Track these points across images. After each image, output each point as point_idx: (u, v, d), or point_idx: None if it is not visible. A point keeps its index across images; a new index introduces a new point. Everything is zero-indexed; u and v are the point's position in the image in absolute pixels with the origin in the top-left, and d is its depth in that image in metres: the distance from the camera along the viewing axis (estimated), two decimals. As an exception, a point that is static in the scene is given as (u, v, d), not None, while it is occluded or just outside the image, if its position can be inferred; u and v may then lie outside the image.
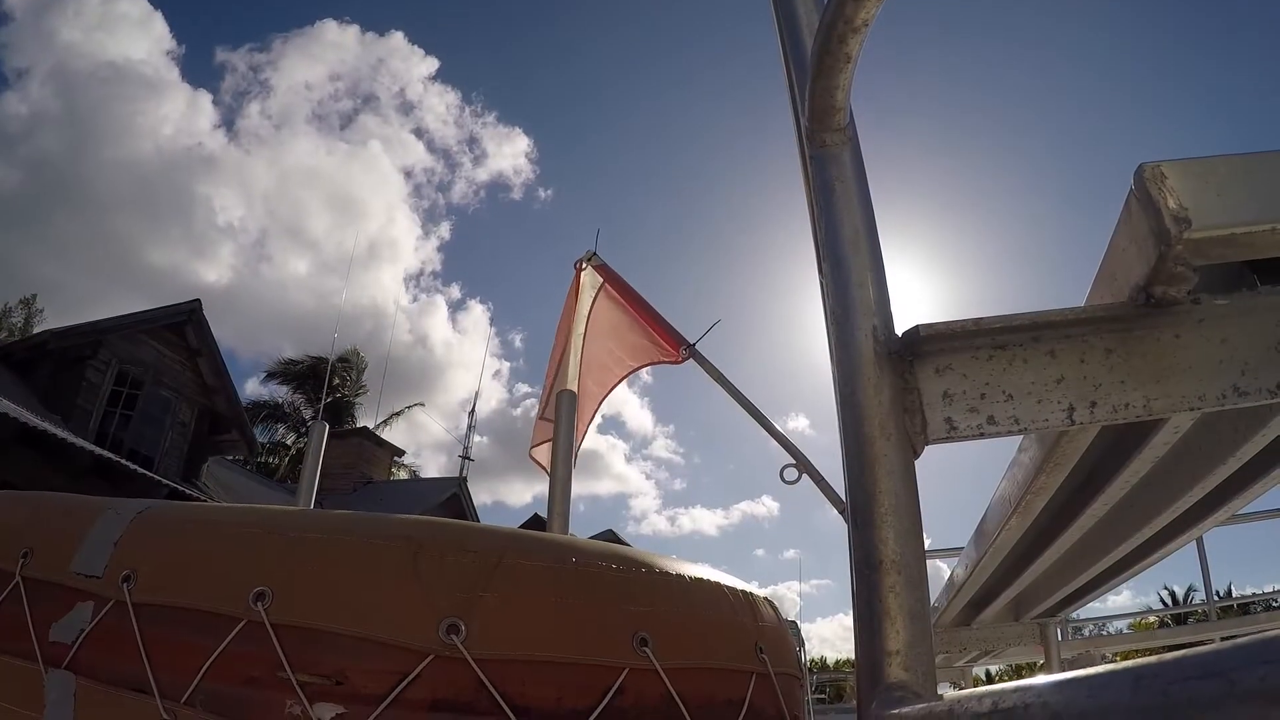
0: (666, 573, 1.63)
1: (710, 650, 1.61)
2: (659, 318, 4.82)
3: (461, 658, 1.33)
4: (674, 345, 4.57)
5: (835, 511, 3.76)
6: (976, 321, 1.11)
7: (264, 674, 1.35)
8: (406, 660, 1.33)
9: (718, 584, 1.74)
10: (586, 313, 5.25)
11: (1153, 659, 0.47)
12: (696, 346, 4.51)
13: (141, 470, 13.70)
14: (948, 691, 0.75)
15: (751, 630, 1.74)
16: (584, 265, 5.26)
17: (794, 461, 3.87)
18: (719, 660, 1.62)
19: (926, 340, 1.10)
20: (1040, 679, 0.58)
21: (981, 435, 1.10)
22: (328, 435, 3.41)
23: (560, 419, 2.60)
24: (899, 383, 1.07)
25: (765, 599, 1.91)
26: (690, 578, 1.67)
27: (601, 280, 5.19)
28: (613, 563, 1.55)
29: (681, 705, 1.48)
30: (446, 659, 1.33)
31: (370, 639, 1.35)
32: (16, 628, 1.59)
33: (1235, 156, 1.10)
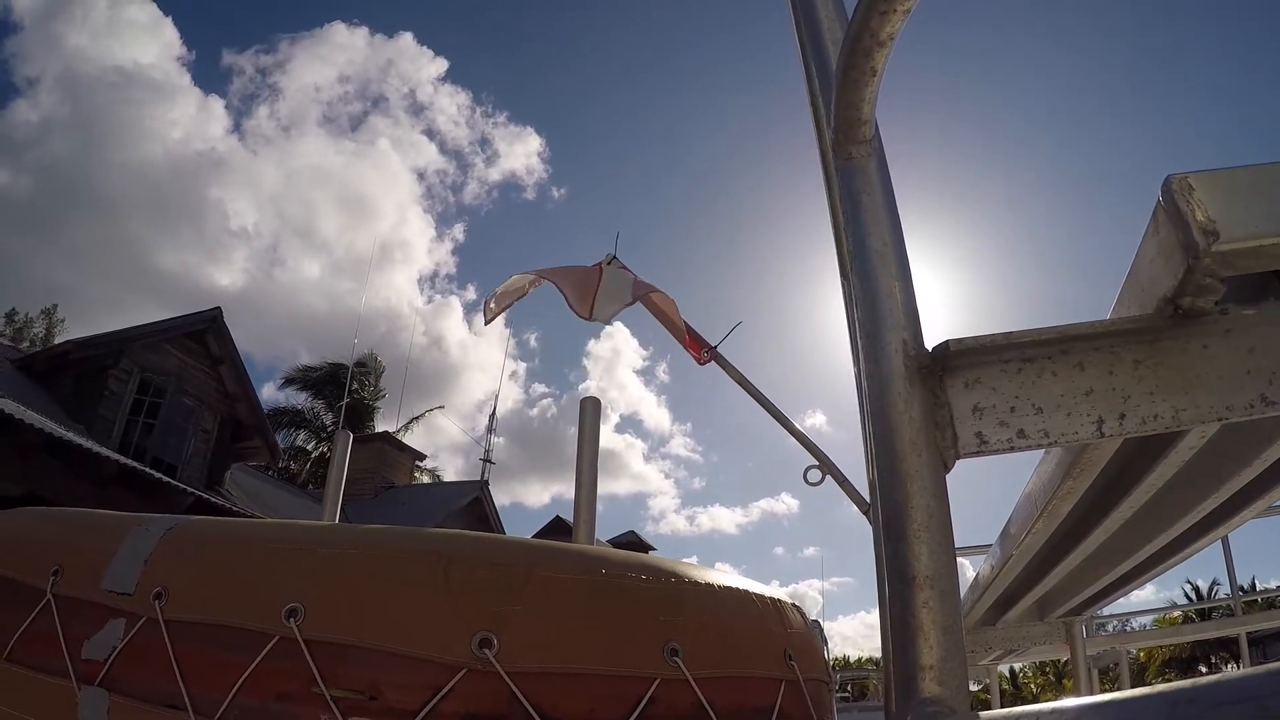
0: (695, 582, 1.63)
1: (740, 659, 1.61)
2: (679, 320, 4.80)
3: (494, 671, 1.34)
4: (696, 347, 4.55)
5: (856, 509, 3.75)
6: (1006, 335, 1.11)
7: (298, 689, 1.36)
8: (440, 674, 1.33)
9: (746, 591, 1.74)
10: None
11: (1186, 683, 0.47)
12: (718, 349, 4.49)
13: (167, 479, 13.76)
14: (983, 712, 0.76)
15: (780, 637, 1.74)
16: (601, 269, 5.24)
17: (817, 463, 3.87)
18: (749, 668, 1.62)
19: (956, 355, 1.10)
20: (1073, 701, 0.58)
21: (1012, 449, 1.10)
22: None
23: (584, 427, 2.59)
24: (929, 397, 1.07)
25: (793, 605, 1.90)
26: (719, 586, 1.67)
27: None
28: (642, 573, 1.55)
29: (712, 714, 1.48)
30: (479, 673, 1.34)
31: (403, 654, 1.35)
32: (49, 645, 1.60)
33: (1260, 167, 1.09)
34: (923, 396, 1.06)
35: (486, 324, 5.13)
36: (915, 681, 0.95)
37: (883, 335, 1.08)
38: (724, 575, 1.76)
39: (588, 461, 2.55)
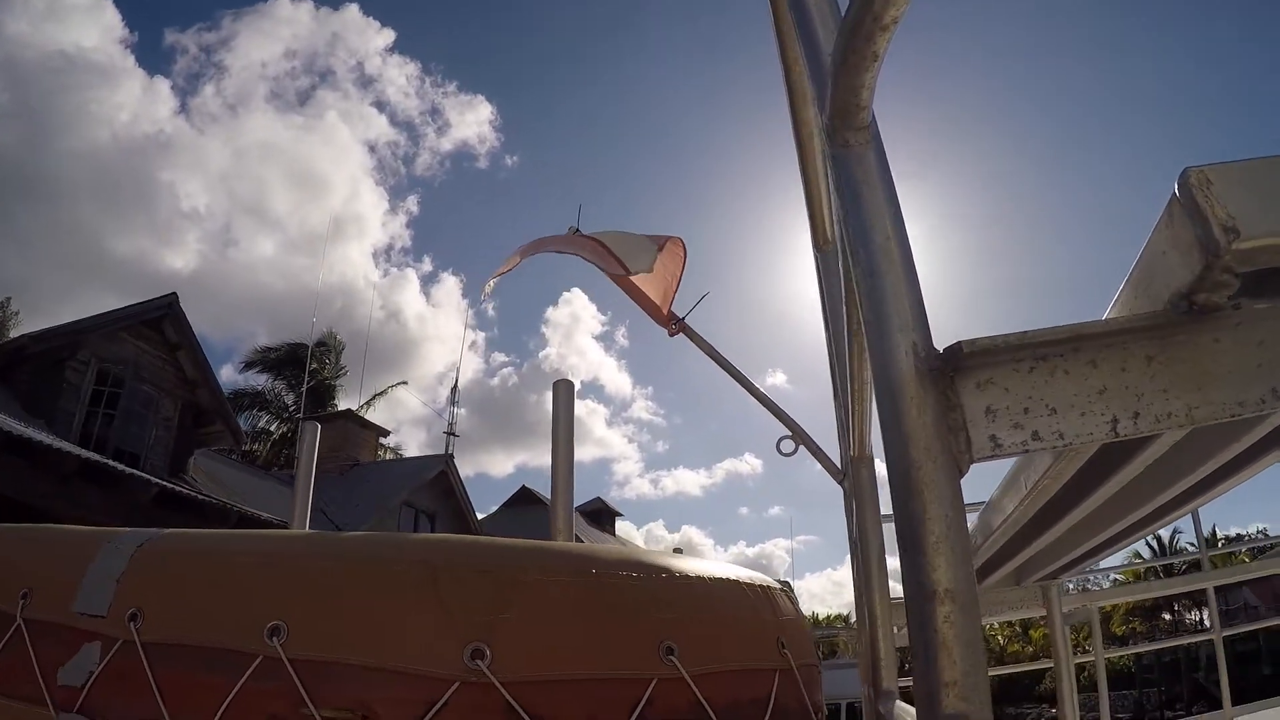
0: (687, 576, 1.60)
1: (734, 652, 1.60)
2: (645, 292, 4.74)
3: (488, 682, 1.30)
4: (664, 319, 4.50)
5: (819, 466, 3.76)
6: (1020, 335, 1.07)
7: (285, 710, 1.31)
8: (432, 689, 1.30)
9: (737, 582, 1.72)
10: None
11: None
12: (685, 320, 4.44)
13: (129, 470, 13.58)
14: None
15: (773, 626, 1.72)
16: (587, 236, 5.15)
17: (790, 433, 3.86)
18: (743, 661, 1.61)
19: (969, 355, 1.06)
20: None
21: (1026, 451, 1.07)
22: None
23: (559, 411, 2.54)
24: (942, 400, 1.03)
25: (782, 590, 1.89)
26: (710, 579, 1.65)
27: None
28: (633, 571, 1.52)
29: (710, 710, 1.46)
30: (473, 684, 1.30)
31: (393, 669, 1.31)
32: (24, 671, 1.55)
33: (1278, 159, 1.06)
34: (935, 401, 1.02)
35: (482, 301, 5.07)
36: (939, 699, 0.92)
37: (891, 337, 1.04)
38: (713, 565, 1.74)
39: (563, 446, 2.50)
